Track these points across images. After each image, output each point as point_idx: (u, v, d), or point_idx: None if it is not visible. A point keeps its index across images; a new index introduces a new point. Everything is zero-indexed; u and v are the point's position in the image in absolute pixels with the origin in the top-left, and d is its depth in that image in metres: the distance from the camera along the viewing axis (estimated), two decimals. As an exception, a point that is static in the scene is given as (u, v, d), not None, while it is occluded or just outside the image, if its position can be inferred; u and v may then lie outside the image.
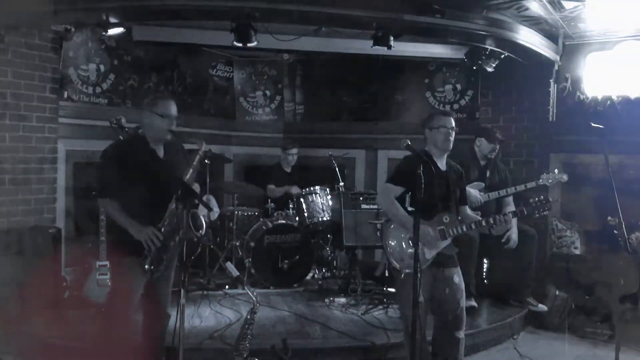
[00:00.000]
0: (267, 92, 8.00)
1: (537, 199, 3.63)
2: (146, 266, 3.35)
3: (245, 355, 3.57)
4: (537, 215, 3.66)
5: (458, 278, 3.62)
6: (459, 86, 7.19)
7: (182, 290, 3.08)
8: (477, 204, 5.03)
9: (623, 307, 4.28)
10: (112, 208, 3.44)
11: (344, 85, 7.72)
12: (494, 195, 5.20)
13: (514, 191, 5.21)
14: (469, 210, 3.83)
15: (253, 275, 5.88)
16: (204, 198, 6.07)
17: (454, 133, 3.63)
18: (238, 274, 3.62)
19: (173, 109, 3.53)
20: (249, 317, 3.62)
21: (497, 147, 5.36)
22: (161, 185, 3.36)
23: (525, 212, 3.61)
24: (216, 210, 6.45)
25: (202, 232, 3.42)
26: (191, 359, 3.68)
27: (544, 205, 3.60)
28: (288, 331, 4.61)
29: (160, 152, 3.54)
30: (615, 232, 4.06)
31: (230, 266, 3.62)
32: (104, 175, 3.54)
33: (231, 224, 6.30)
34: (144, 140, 3.52)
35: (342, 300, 5.50)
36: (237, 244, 6.23)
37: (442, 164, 3.67)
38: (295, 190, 6.40)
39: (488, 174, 5.38)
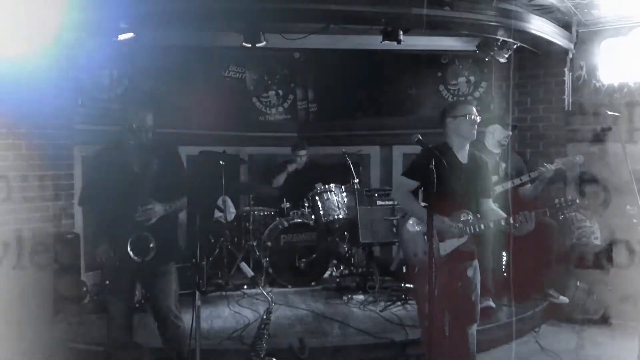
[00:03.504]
0: (280, 92, 7.99)
1: (562, 199, 3.42)
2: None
3: (262, 355, 3.57)
4: (562, 216, 3.44)
5: (472, 272, 3.53)
6: (472, 78, 7.12)
7: (196, 292, 3.09)
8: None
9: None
10: None
11: (356, 81, 7.67)
12: (507, 185, 5.05)
13: (528, 178, 5.10)
14: (492, 204, 3.62)
15: (271, 275, 5.89)
16: (220, 199, 6.11)
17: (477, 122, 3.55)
18: (253, 274, 3.63)
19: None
20: (264, 317, 3.63)
21: (510, 134, 5.23)
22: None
23: (549, 214, 3.42)
24: (232, 211, 6.48)
25: None
26: (209, 360, 3.70)
27: (570, 207, 3.38)
28: (306, 330, 4.61)
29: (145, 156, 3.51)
30: (635, 220, 3.99)
31: (245, 267, 3.64)
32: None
33: (248, 224, 6.33)
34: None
35: (360, 297, 5.50)
36: (254, 243, 6.24)
37: (463, 156, 3.56)
38: (291, 167, 6.53)
39: (503, 165, 5.30)
